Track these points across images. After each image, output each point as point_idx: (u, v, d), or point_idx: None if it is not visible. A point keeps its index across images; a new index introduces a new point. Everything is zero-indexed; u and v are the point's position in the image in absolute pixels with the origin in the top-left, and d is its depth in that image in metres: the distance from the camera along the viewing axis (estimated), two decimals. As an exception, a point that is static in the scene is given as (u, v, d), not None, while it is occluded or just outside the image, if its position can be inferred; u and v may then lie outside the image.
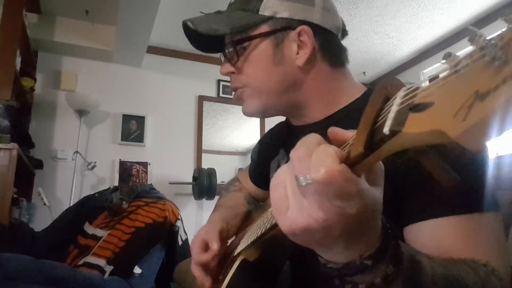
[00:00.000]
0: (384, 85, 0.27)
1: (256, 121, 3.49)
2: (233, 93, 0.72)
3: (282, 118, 0.80)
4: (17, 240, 1.65)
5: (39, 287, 1.21)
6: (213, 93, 3.44)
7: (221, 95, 3.44)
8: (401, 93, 0.25)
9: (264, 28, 0.62)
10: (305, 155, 0.29)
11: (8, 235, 1.66)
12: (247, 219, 0.82)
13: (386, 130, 0.24)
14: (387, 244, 0.32)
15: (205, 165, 3.14)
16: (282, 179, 0.32)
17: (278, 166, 0.78)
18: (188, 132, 3.28)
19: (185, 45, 3.53)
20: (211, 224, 0.75)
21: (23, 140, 2.34)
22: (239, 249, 0.60)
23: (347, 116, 0.62)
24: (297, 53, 0.62)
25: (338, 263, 0.33)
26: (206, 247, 0.71)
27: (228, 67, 0.68)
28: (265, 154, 0.83)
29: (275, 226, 0.43)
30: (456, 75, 0.20)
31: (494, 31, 2.36)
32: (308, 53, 0.61)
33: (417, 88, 0.23)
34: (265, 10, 0.62)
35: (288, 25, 0.62)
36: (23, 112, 2.57)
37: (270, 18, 0.62)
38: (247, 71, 0.65)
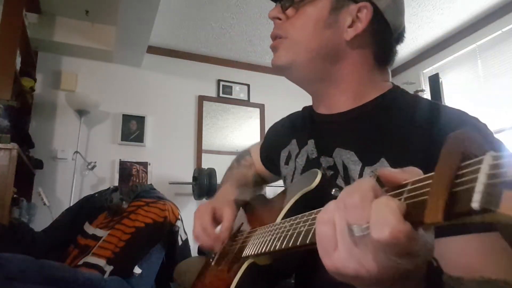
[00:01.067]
0: (459, 139, 0.24)
1: (256, 121, 3.49)
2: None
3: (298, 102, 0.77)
4: (17, 240, 1.65)
5: (39, 287, 1.21)
6: (213, 93, 3.44)
7: (221, 95, 3.44)
8: (488, 159, 0.21)
9: None
10: (362, 203, 0.28)
11: (8, 235, 1.66)
12: (249, 209, 0.80)
13: (475, 205, 0.21)
14: (434, 285, 0.31)
15: (205, 165, 3.14)
16: (330, 217, 0.31)
17: (289, 156, 0.76)
18: (188, 132, 3.28)
19: (185, 45, 3.53)
20: (224, 203, 0.72)
21: (23, 140, 2.34)
22: (248, 251, 0.58)
23: (372, 111, 0.61)
24: (349, 27, 0.60)
25: None
26: (214, 219, 0.70)
27: (278, 12, 0.65)
28: (278, 141, 0.81)
29: (302, 246, 0.41)
30: None
31: (494, 31, 2.34)
32: (359, 30, 0.60)
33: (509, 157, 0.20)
34: None
35: None
36: (23, 112, 2.57)
37: None
38: (295, 22, 0.63)
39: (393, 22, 0.63)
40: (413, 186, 0.27)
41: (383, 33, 0.63)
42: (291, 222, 0.46)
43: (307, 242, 0.38)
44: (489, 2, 2.68)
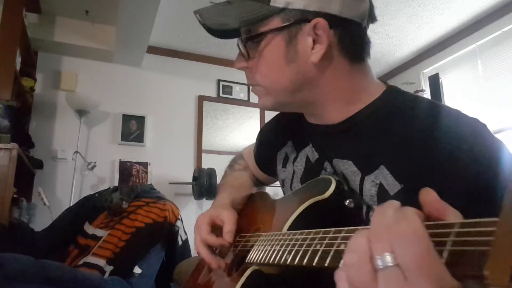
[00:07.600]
0: None
1: (256, 121, 3.49)
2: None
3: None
4: (17, 240, 1.65)
5: (39, 287, 1.21)
6: (213, 93, 3.44)
7: (221, 95, 3.44)
8: None
9: (275, 22, 0.57)
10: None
11: (8, 235, 1.66)
12: (250, 205, 0.78)
13: None
14: None
15: (205, 165, 3.14)
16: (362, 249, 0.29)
17: (286, 158, 0.74)
18: (188, 132, 3.28)
19: (185, 45, 3.53)
20: (222, 208, 0.72)
21: (23, 140, 2.34)
22: (252, 256, 0.55)
23: (368, 118, 0.59)
24: (312, 48, 0.56)
25: None
26: (213, 227, 0.69)
27: (242, 62, 0.63)
28: (272, 143, 0.80)
29: (318, 267, 0.39)
30: None
31: (494, 31, 2.34)
32: (324, 48, 0.56)
33: None
34: (277, 1, 0.56)
35: (302, 17, 0.56)
36: (23, 112, 2.57)
37: (282, 10, 0.56)
38: (259, 69, 0.61)
39: (356, 14, 0.58)
40: (462, 230, 0.24)
41: (350, 33, 0.59)
42: (304, 236, 0.43)
43: (325, 265, 0.36)
44: (489, 2, 2.68)
